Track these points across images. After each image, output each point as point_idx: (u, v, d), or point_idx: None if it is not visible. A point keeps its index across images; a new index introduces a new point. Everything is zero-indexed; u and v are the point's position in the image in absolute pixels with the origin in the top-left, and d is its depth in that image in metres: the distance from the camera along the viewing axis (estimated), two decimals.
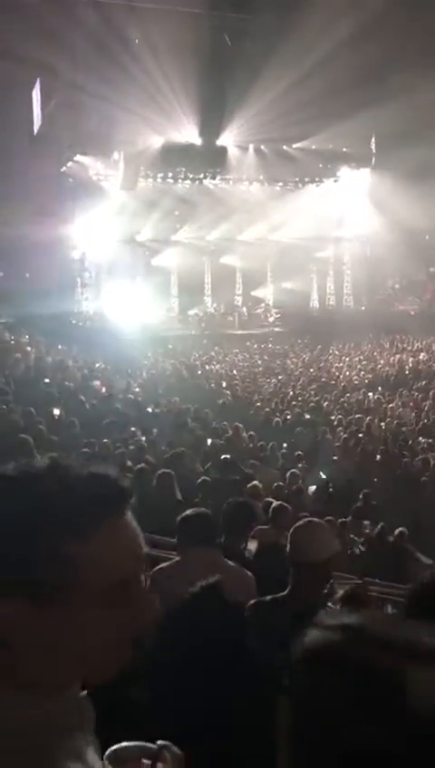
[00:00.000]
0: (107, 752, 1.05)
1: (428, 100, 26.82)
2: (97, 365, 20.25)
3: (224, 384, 18.86)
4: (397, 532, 7.04)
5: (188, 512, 3.90)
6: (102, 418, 11.63)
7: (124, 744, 1.08)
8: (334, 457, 12.07)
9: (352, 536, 6.68)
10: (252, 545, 4.74)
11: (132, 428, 11.00)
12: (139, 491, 7.26)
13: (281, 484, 9.05)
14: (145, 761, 1.06)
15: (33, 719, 0.90)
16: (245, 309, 33.27)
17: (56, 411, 11.16)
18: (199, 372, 21.16)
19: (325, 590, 2.74)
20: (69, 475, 0.95)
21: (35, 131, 28.71)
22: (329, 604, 2.96)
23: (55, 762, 0.90)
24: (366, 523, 7.69)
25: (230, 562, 3.70)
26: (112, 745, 1.08)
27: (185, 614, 1.83)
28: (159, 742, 1.10)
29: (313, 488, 9.35)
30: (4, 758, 0.86)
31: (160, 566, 3.58)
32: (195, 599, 2.08)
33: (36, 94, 28.30)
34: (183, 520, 3.77)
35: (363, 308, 33.91)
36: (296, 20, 25.30)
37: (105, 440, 9.74)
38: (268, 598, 2.69)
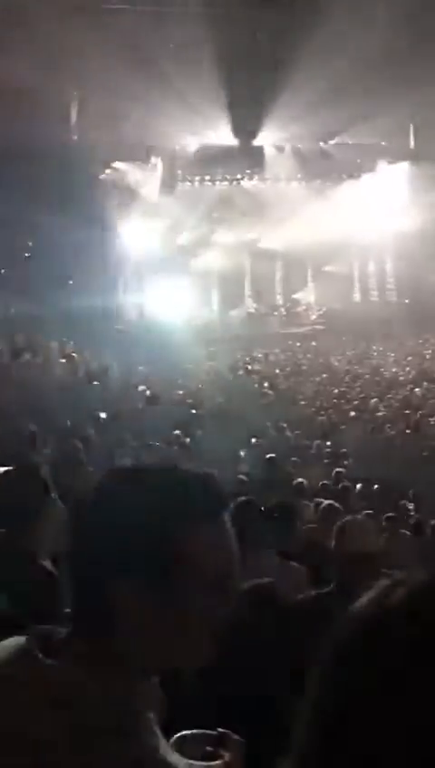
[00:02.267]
0: (174, 738, 1.14)
1: None
2: (140, 368, 20.44)
3: (266, 384, 18.83)
4: (432, 522, 6.93)
5: (234, 505, 3.73)
6: (148, 420, 11.74)
7: (191, 731, 1.18)
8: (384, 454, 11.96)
9: (402, 531, 6.60)
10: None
11: (176, 431, 11.06)
12: None
13: (327, 482, 9.00)
14: (208, 747, 1.16)
15: (127, 700, 1.00)
16: (285, 308, 33.14)
17: (102, 414, 11.30)
18: (241, 373, 21.15)
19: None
20: (183, 473, 1.09)
21: (74, 140, 29.13)
22: None
23: (139, 738, 0.99)
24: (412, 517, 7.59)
25: (278, 558, 3.68)
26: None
27: (237, 614, 1.83)
28: (219, 729, 1.20)
29: (359, 486, 9.26)
30: (102, 736, 0.96)
31: None
32: (247, 599, 2.08)
33: (74, 104, 28.73)
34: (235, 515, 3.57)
35: (407, 302, 33.42)
36: (329, 15, 25.12)
37: (150, 442, 9.83)
38: (314, 593, 2.68)
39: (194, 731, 1.17)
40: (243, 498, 3.77)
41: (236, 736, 1.18)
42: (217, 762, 1.12)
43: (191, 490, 1.05)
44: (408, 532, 6.68)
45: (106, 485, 1.10)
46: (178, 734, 1.15)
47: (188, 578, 1.02)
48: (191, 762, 1.09)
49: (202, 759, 1.12)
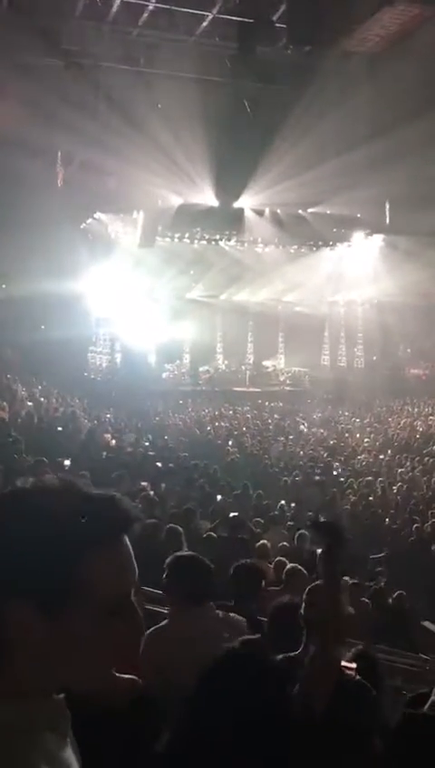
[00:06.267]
0: None
1: None
2: (108, 416, 20.31)
3: (230, 442, 18.78)
4: (395, 594, 6.89)
5: (171, 559, 3.57)
6: (111, 471, 11.58)
7: None
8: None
9: (363, 599, 6.53)
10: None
11: (142, 482, 10.93)
12: (146, 546, 7.17)
13: (287, 544, 8.92)
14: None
15: (13, 722, 0.97)
16: (255, 367, 33.44)
17: (66, 462, 11.13)
18: (208, 428, 21.11)
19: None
20: (82, 493, 1.04)
21: (57, 190, 29.51)
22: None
23: (28, 762, 0.96)
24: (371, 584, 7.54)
25: (219, 612, 3.55)
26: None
27: (221, 672, 1.77)
28: None
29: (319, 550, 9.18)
30: None
31: (155, 628, 3.36)
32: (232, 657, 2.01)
33: (59, 155, 29.21)
34: (169, 570, 3.45)
35: (375, 369, 33.99)
36: (314, 88, 26.17)
37: (114, 493, 9.67)
38: (280, 656, 2.63)
39: None
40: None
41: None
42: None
43: (86, 513, 1.00)
44: (367, 600, 6.62)
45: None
46: None
47: (83, 603, 0.98)
48: None
49: None
